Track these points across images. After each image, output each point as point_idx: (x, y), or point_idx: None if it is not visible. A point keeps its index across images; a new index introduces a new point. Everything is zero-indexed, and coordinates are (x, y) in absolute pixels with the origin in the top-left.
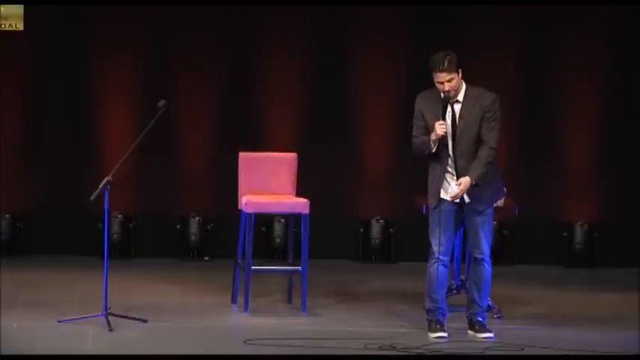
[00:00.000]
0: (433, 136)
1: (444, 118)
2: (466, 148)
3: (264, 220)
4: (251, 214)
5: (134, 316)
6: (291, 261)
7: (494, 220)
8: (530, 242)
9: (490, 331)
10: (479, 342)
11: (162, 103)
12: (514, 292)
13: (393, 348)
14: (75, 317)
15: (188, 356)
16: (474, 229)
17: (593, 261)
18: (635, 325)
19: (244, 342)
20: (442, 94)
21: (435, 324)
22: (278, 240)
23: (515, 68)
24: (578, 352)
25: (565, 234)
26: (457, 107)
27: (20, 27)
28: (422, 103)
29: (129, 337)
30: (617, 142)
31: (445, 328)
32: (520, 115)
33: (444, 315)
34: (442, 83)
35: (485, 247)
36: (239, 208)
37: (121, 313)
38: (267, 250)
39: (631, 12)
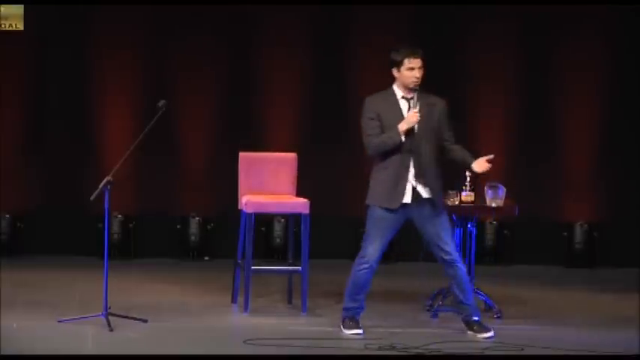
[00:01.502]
0: (404, 126)
1: (408, 111)
2: (428, 145)
3: (264, 220)
4: (251, 214)
5: (134, 316)
6: (291, 261)
7: (494, 221)
8: (530, 242)
9: (490, 330)
10: (478, 342)
11: (162, 103)
12: (514, 292)
13: (393, 348)
14: (75, 317)
15: (188, 356)
16: (435, 231)
17: (593, 261)
18: (635, 325)
19: (244, 342)
20: (406, 88)
21: (350, 321)
22: (278, 240)
23: (514, 68)
24: (578, 352)
25: (565, 234)
26: (412, 104)
27: (20, 27)
28: (376, 104)
29: (129, 337)
30: (616, 141)
31: (360, 324)
32: (520, 115)
33: (360, 313)
34: (413, 69)
35: (452, 248)
36: (239, 208)
37: (121, 313)
38: (267, 250)
39: (630, 12)
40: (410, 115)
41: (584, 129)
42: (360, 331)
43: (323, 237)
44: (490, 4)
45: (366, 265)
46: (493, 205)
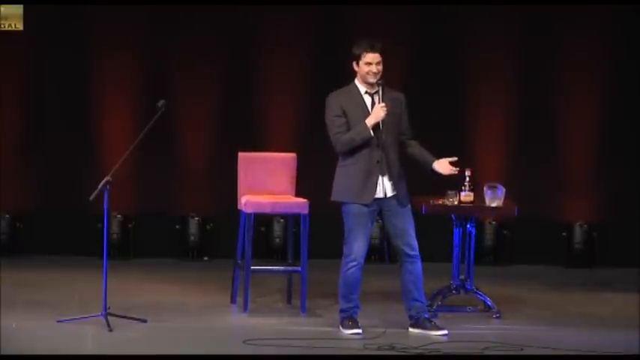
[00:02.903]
0: (372, 120)
1: (372, 107)
2: (392, 141)
3: (263, 220)
4: (250, 214)
5: (133, 316)
6: (290, 261)
7: (493, 221)
8: (529, 242)
9: (443, 328)
10: (477, 342)
11: (161, 103)
12: (513, 292)
13: (392, 348)
14: (74, 317)
15: (187, 356)
16: (402, 226)
17: (593, 261)
18: (634, 325)
19: (244, 342)
20: (365, 82)
21: (349, 321)
22: (277, 240)
23: (514, 68)
24: (577, 352)
25: (564, 234)
26: (376, 98)
27: (20, 27)
28: (340, 101)
29: (128, 337)
30: (616, 142)
31: (359, 324)
32: (520, 115)
33: (357, 312)
34: (371, 64)
35: (416, 243)
36: (238, 208)
37: (121, 313)
38: (267, 250)
39: (631, 12)
40: (377, 110)
41: (584, 129)
42: (359, 330)
43: (322, 237)
44: (490, 4)
45: (354, 264)
46: (492, 205)
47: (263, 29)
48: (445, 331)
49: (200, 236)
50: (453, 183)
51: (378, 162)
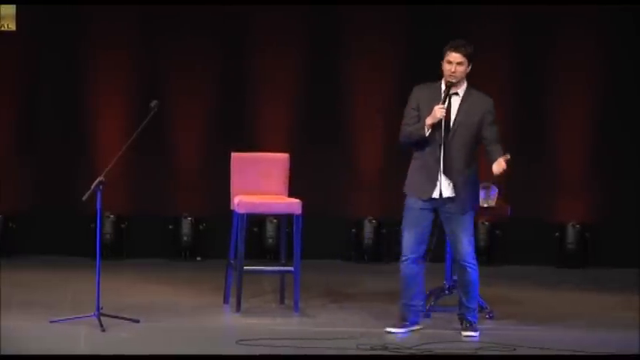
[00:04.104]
0: (430, 120)
1: (443, 103)
2: (460, 143)
3: (256, 221)
4: (243, 214)
5: (126, 316)
6: (283, 261)
7: (486, 221)
8: (522, 242)
9: (475, 330)
10: (471, 342)
11: (154, 103)
12: (506, 293)
13: (385, 348)
14: (67, 317)
15: (180, 356)
16: (456, 232)
17: (585, 261)
18: (628, 325)
19: (237, 342)
20: (444, 81)
21: (397, 319)
22: (270, 240)
23: (508, 68)
24: (570, 353)
25: (557, 234)
26: (456, 100)
27: (13, 27)
28: (420, 94)
29: (121, 338)
30: (609, 142)
31: (404, 323)
32: (513, 115)
33: (410, 310)
34: (451, 63)
35: (468, 251)
36: (231, 208)
37: (114, 314)
38: (260, 251)
39: (624, 12)
40: (435, 110)
41: (577, 129)
42: (394, 329)
43: (315, 237)
44: (485, 4)
45: (403, 259)
46: (485, 205)
47: (256, 29)
48: (474, 333)
49: (193, 236)
50: None
51: (437, 161)
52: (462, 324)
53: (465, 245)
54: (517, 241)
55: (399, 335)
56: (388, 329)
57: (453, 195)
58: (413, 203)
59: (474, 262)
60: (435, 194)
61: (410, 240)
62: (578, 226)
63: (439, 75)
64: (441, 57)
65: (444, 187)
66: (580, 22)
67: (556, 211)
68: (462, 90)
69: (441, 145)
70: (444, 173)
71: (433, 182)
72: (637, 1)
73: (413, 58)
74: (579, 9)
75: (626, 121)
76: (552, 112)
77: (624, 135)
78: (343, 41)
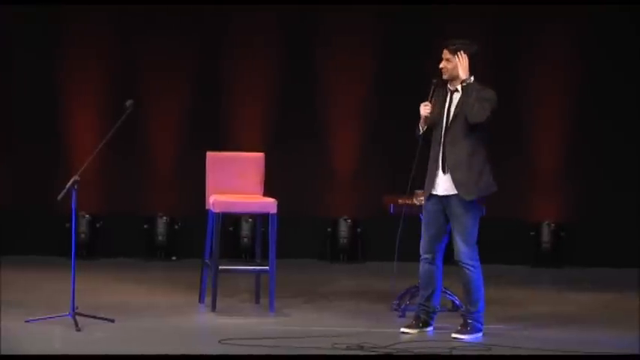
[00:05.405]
0: (421, 116)
1: (430, 100)
2: (459, 135)
3: (231, 220)
4: (218, 213)
5: (102, 315)
6: (258, 261)
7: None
8: (497, 242)
9: (466, 334)
10: (446, 342)
11: (129, 102)
12: None
13: (361, 348)
14: (42, 317)
15: (155, 356)
16: (456, 229)
17: (561, 260)
18: (603, 324)
19: (219, 342)
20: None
21: (411, 318)
22: (246, 240)
23: (483, 67)
24: (544, 352)
25: (532, 233)
26: (456, 97)
27: None
28: (437, 92)
29: (96, 337)
30: (585, 142)
31: (417, 324)
32: None
33: (424, 311)
34: (442, 60)
35: (463, 250)
36: (206, 207)
37: (89, 313)
38: (235, 250)
39: (600, 12)
40: (420, 107)
41: (552, 129)
42: (405, 329)
43: (290, 237)
44: (459, 4)
45: (421, 258)
46: None
47: (232, 29)
48: (463, 336)
49: (168, 236)
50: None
51: (437, 160)
52: (462, 324)
53: (459, 245)
54: (492, 241)
55: (409, 335)
56: (403, 329)
57: (454, 193)
58: (425, 203)
59: (472, 262)
60: (436, 191)
61: (424, 240)
62: (553, 225)
63: (440, 74)
64: (418, 56)
65: (445, 184)
66: (555, 22)
67: (531, 210)
68: (460, 86)
69: (440, 144)
70: (444, 170)
71: (433, 180)
72: (611, 1)
73: (387, 59)
74: (554, 8)
75: (602, 120)
76: (526, 111)
77: (599, 135)
78: (319, 41)
